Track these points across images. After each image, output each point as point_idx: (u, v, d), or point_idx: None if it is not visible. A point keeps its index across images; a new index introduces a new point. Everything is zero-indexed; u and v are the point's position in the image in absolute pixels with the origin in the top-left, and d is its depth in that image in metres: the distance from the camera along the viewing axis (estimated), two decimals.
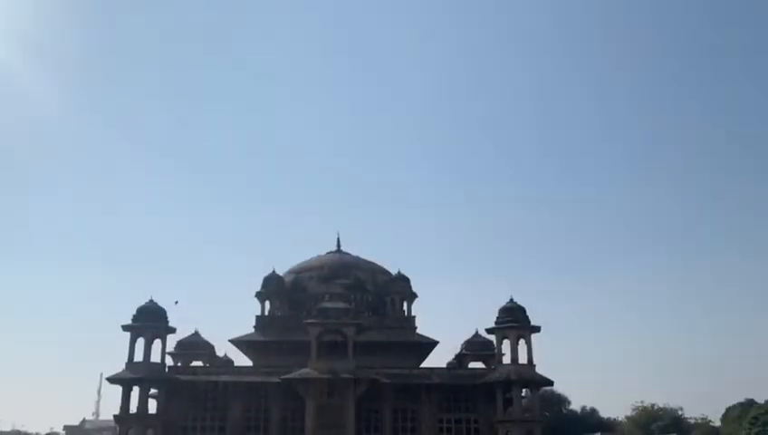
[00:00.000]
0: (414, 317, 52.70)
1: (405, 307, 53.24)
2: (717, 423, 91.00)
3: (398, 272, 55.25)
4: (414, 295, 53.88)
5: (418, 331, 51.20)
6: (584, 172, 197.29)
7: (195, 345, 48.61)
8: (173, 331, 43.26)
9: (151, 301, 42.97)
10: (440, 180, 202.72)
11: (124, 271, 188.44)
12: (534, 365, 41.56)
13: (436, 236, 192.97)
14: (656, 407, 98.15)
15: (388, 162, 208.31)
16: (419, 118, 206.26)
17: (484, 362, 47.63)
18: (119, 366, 41.09)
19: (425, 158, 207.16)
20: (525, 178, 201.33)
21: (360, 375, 40.64)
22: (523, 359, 41.29)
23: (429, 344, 50.63)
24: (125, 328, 41.72)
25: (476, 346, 48.56)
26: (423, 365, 49.76)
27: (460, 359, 48.95)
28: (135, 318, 42.04)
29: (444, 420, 41.97)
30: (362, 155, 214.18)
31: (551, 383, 44.16)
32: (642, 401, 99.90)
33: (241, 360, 51.76)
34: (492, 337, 44.20)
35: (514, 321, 42.17)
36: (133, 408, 40.58)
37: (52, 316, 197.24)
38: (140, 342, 41.41)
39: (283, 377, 40.57)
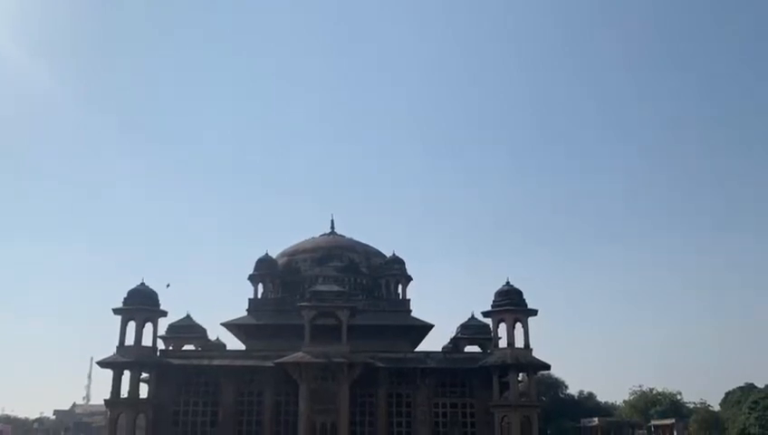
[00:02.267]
0: (409, 300, 52.07)
1: (400, 290, 52.69)
2: (717, 408, 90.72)
3: (393, 254, 54.41)
4: (409, 278, 53.04)
5: (413, 314, 50.34)
6: (583, 155, 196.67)
7: (187, 329, 47.70)
8: (164, 314, 42.50)
9: (143, 284, 42.24)
10: (437, 163, 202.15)
11: (115, 254, 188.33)
12: (531, 349, 40.82)
13: (432, 219, 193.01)
14: (654, 391, 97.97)
15: (384, 145, 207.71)
16: (417, 103, 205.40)
17: (480, 345, 46.90)
18: (109, 350, 40.49)
19: (421, 141, 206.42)
20: (523, 160, 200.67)
21: (354, 359, 39.92)
22: (519, 343, 40.56)
23: (424, 328, 49.73)
24: (116, 311, 41.03)
25: (472, 330, 47.81)
26: (418, 349, 48.78)
27: (456, 342, 48.34)
28: (126, 301, 41.29)
29: (439, 405, 41.39)
30: (359, 138, 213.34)
31: (548, 367, 43.37)
32: (641, 386, 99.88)
33: (233, 343, 51.12)
34: (488, 320, 43.38)
35: (511, 304, 41.37)
36: (124, 392, 40.06)
37: (42, 300, 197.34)
38: (131, 325, 40.69)
39: (276, 361, 39.86)
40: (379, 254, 56.70)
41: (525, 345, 40.76)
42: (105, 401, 40.83)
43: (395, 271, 53.31)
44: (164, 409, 40.35)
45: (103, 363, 40.26)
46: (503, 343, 41.07)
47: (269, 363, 40.28)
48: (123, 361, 39.76)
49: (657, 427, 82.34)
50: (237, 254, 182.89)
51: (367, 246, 57.70)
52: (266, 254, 52.48)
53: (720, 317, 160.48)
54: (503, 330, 41.25)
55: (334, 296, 42.18)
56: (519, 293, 42.28)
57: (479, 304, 64.86)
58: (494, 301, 42.33)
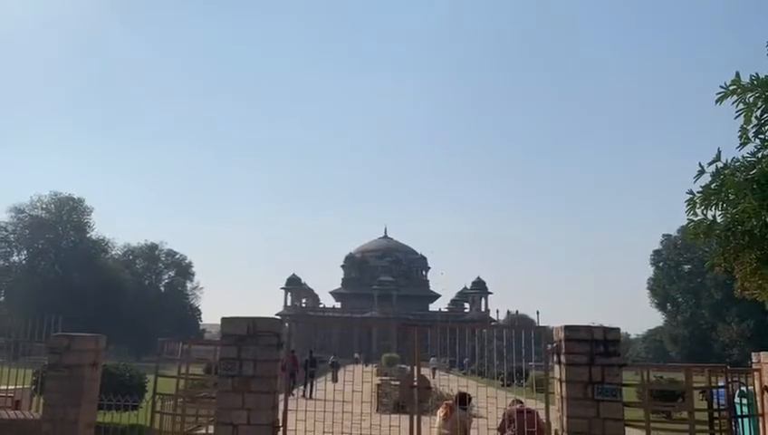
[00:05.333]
0: (428, 281, 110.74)
1: (424, 274, 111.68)
2: None
3: (420, 254, 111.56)
4: (428, 267, 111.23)
5: (431, 288, 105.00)
6: (598, 151, 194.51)
7: (305, 292, 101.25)
8: (310, 291, 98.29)
9: (294, 274, 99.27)
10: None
11: None
12: (488, 311, 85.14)
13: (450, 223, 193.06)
14: None
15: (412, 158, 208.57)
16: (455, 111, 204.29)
17: (470, 305, 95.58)
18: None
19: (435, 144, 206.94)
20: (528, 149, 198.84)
21: (398, 316, 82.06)
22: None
23: (436, 296, 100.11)
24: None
25: (464, 297, 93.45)
26: (432, 309, 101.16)
27: (454, 303, 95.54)
28: (287, 284, 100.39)
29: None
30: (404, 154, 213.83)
31: (491, 320, 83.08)
32: None
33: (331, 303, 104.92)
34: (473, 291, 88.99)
35: (478, 289, 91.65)
36: None
37: None
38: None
39: (360, 316, 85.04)
40: (412, 252, 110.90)
41: (486, 310, 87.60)
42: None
43: (420, 264, 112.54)
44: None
45: (280, 315, 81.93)
46: (476, 308, 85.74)
47: (357, 316, 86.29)
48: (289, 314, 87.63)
49: None
50: (332, 250, 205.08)
51: (405, 246, 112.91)
52: (350, 252, 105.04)
53: None
54: (475, 301, 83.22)
55: (389, 283, 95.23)
56: (484, 283, 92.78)
57: (475, 276, 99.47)
58: (471, 287, 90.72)
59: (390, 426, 8.94)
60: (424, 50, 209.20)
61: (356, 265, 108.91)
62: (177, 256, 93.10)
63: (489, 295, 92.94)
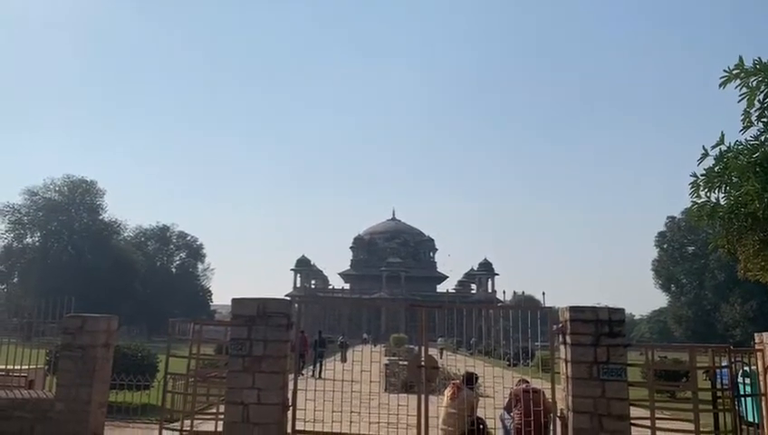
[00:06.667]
0: (435, 262, 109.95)
1: (431, 255, 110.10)
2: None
3: (428, 236, 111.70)
4: (436, 249, 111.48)
5: (438, 269, 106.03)
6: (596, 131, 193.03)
7: (314, 274, 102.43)
8: (319, 272, 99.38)
9: (303, 256, 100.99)
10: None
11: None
12: (495, 292, 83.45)
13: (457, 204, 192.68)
14: None
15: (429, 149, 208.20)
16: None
17: (476, 287, 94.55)
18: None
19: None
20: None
21: (406, 297, 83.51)
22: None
23: (443, 277, 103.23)
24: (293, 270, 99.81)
25: (471, 278, 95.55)
26: (439, 290, 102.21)
27: (462, 285, 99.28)
28: (297, 265, 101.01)
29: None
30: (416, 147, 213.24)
31: (497, 301, 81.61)
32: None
33: (340, 284, 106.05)
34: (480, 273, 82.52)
35: (485, 271, 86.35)
36: None
37: None
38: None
39: (369, 297, 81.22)
40: (420, 233, 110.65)
41: (493, 291, 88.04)
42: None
43: (428, 246, 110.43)
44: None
45: (289, 296, 76.62)
46: (482, 289, 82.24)
47: (366, 297, 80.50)
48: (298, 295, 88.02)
49: None
50: (341, 232, 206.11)
51: (413, 228, 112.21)
52: (359, 234, 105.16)
53: None
54: (482, 283, 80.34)
55: (397, 265, 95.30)
56: (490, 264, 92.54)
57: (482, 258, 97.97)
58: (478, 268, 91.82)
59: (398, 405, 9.10)
60: (430, 34, 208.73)
61: (364, 247, 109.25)
62: (189, 238, 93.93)
63: (496, 277, 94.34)
